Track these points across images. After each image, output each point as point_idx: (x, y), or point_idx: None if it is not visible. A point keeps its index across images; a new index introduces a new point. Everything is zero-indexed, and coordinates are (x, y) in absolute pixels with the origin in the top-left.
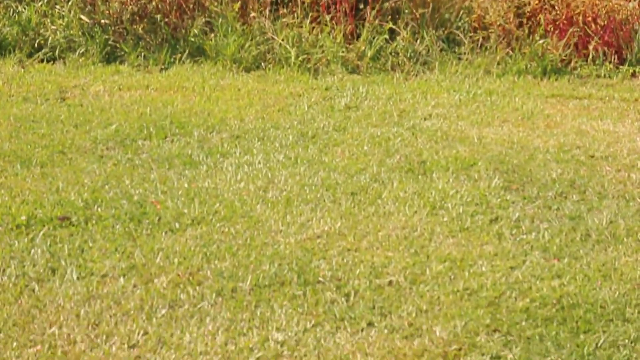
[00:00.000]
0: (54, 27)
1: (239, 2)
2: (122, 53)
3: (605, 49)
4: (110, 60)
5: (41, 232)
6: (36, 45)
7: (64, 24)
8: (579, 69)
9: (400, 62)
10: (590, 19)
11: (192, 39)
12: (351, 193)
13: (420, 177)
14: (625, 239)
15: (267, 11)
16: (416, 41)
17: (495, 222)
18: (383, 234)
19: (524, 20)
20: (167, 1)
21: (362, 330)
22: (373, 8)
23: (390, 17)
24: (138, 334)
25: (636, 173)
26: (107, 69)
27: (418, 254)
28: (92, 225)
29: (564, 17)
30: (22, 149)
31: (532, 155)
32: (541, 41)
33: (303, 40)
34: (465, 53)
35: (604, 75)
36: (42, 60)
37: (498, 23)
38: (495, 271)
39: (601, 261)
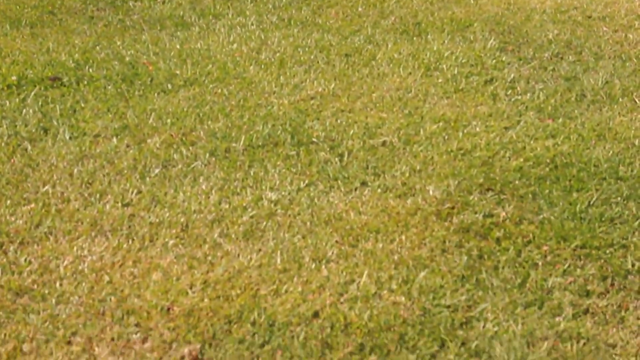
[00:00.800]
0: None
1: None
2: None
3: None
4: None
5: (32, 92)
6: None
7: None
8: None
9: None
10: None
11: None
12: (345, 54)
13: (415, 38)
14: (620, 99)
15: None
16: None
17: (490, 83)
18: (377, 95)
19: None
20: None
21: (355, 190)
22: None
23: None
24: (132, 192)
25: (633, 33)
26: None
27: (412, 115)
28: (83, 86)
29: None
30: (10, 9)
31: (528, 16)
32: None
33: None
34: None
35: None
36: None
37: None
38: (489, 131)
39: (596, 121)
